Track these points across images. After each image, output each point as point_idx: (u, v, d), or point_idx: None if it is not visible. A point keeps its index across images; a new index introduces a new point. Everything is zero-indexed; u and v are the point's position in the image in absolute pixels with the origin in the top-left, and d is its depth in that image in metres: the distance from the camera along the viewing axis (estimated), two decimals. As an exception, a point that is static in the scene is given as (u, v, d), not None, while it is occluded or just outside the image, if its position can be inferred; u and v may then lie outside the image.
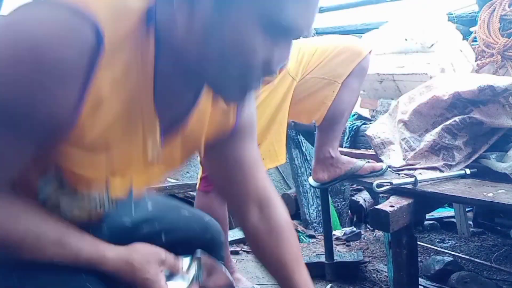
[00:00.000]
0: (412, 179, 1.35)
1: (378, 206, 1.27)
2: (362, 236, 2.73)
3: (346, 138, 2.09)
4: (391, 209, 1.24)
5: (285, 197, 3.09)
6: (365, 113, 2.51)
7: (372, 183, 1.37)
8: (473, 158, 1.54)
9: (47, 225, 0.65)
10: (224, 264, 0.91)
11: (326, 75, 1.57)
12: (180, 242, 0.88)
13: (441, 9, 2.84)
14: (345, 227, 2.90)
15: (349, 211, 3.10)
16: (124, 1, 0.61)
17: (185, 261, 0.79)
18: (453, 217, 2.77)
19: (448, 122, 1.55)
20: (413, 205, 1.31)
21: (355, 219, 3.14)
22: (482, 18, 2.37)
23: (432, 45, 2.11)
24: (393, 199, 1.33)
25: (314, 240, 2.72)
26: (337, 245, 2.52)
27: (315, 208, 2.91)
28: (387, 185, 1.34)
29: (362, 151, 1.96)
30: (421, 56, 2.12)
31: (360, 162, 1.64)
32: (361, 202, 3.11)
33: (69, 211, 0.71)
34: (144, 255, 0.72)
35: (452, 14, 2.92)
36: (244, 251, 2.42)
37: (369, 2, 3.60)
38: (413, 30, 2.18)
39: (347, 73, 1.56)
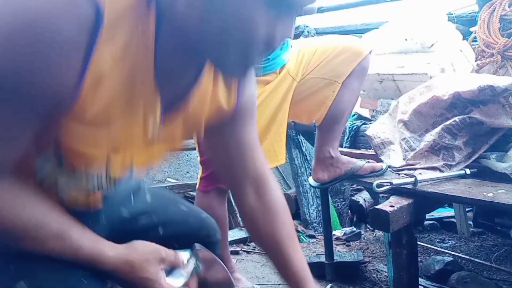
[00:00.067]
0: (412, 179, 1.35)
1: (378, 206, 1.27)
2: (362, 236, 2.73)
3: (346, 138, 2.09)
4: (391, 209, 1.24)
5: (285, 197, 3.08)
6: (365, 113, 2.51)
7: (372, 183, 1.37)
8: (473, 158, 1.54)
9: (51, 217, 0.65)
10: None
11: (327, 75, 1.57)
12: (177, 236, 0.89)
13: (441, 9, 2.84)
14: (345, 227, 2.90)
15: (349, 211, 3.10)
16: None
17: (184, 255, 0.79)
18: (453, 217, 2.77)
19: (448, 122, 1.55)
20: (413, 205, 1.31)
21: (355, 219, 3.14)
22: (482, 18, 2.37)
23: (432, 45, 2.11)
24: (393, 199, 1.33)
25: (314, 240, 2.72)
26: (337, 245, 2.52)
27: (315, 208, 2.91)
28: (387, 185, 1.34)
29: (362, 151, 1.96)
30: (421, 56, 2.13)
31: (360, 162, 1.64)
32: (361, 202, 3.11)
33: (67, 191, 0.70)
34: (144, 254, 0.72)
35: (452, 14, 2.93)
36: (244, 251, 2.42)
37: (369, 2, 3.60)
38: (413, 30, 2.18)
39: (348, 73, 1.56)
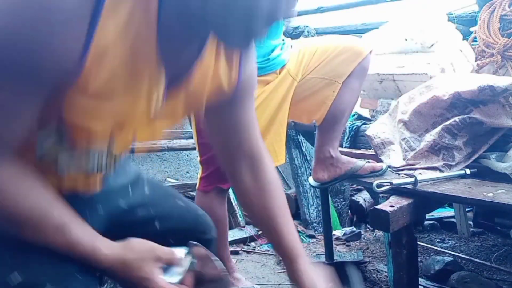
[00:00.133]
0: (412, 179, 1.35)
1: (378, 206, 1.27)
2: (362, 236, 2.73)
3: (346, 138, 2.09)
4: (391, 209, 1.24)
5: (285, 197, 3.08)
6: (365, 113, 2.51)
7: (372, 183, 1.37)
8: (473, 158, 1.54)
9: (53, 208, 0.65)
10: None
11: (327, 75, 1.58)
12: (173, 231, 0.89)
13: (441, 9, 2.83)
14: (345, 227, 2.90)
15: (349, 211, 3.10)
16: None
17: (179, 251, 0.79)
18: (453, 217, 2.77)
19: (448, 122, 1.55)
20: (413, 205, 1.31)
21: (355, 219, 3.14)
22: (482, 18, 2.37)
23: (432, 45, 2.11)
24: (393, 199, 1.33)
25: (314, 240, 2.71)
26: (337, 245, 2.52)
27: (315, 208, 2.91)
28: (387, 185, 1.34)
29: (362, 151, 1.96)
30: (421, 56, 2.13)
31: (360, 162, 1.64)
32: (361, 202, 3.11)
33: (66, 169, 0.70)
34: (140, 253, 0.72)
35: (452, 14, 2.93)
36: (244, 251, 2.42)
37: (369, 2, 3.60)
38: (413, 30, 2.18)
39: (348, 73, 1.56)
